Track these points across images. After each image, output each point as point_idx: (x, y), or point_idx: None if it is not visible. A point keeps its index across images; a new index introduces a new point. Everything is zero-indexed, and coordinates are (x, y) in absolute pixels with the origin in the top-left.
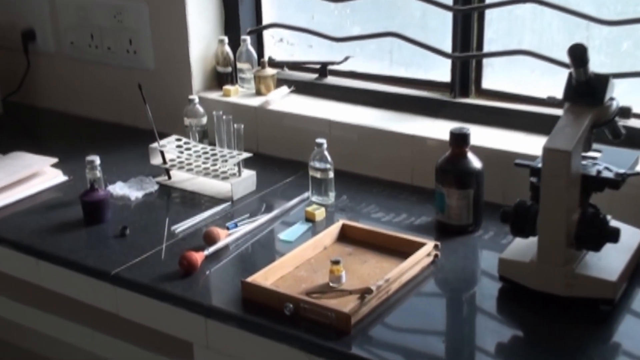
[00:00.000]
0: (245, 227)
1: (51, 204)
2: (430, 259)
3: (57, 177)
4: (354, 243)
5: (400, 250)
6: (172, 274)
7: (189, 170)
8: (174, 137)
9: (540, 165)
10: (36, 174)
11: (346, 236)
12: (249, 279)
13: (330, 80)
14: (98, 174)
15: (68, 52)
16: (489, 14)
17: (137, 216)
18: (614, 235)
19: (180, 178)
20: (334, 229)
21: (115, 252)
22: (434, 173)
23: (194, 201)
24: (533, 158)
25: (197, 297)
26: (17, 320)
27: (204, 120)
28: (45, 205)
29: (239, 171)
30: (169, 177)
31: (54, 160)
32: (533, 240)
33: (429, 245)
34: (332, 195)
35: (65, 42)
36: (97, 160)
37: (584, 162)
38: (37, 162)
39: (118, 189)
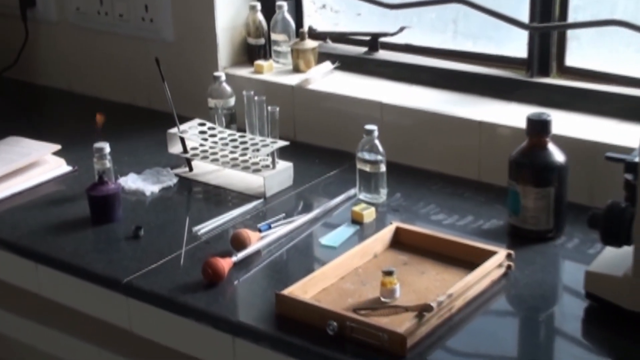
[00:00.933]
0: (280, 230)
1: (53, 198)
2: (502, 270)
3: (59, 167)
4: (410, 250)
5: (466, 259)
6: (193, 284)
7: (214, 160)
8: (196, 121)
9: (637, 159)
10: (35, 164)
11: (400, 242)
12: (285, 292)
13: (382, 54)
14: (107, 164)
15: (73, 20)
16: None
17: (153, 214)
18: None
19: (203, 170)
20: (386, 233)
21: (127, 257)
22: (507, 167)
23: (220, 197)
24: (628, 151)
25: (224, 312)
26: (12, 335)
27: (232, 101)
28: (46, 200)
29: (273, 162)
30: (191, 169)
31: (56, 147)
32: (627, 250)
33: (500, 254)
34: (383, 192)
35: (70, 8)
36: (106, 148)
37: None
38: (36, 150)
39: (131, 182)
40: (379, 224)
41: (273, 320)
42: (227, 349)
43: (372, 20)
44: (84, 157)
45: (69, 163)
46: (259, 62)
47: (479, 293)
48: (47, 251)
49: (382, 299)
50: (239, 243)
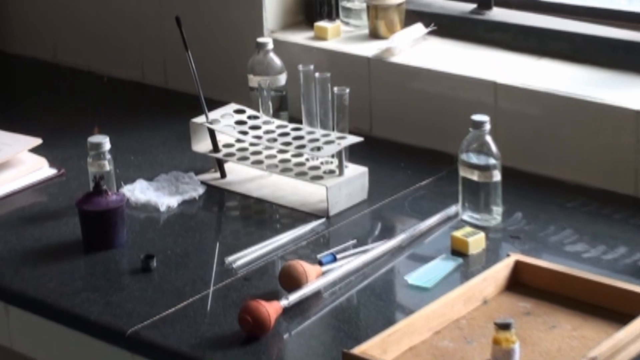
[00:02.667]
0: (349, 263)
1: (30, 213)
2: None
3: (40, 169)
4: (535, 294)
5: (616, 309)
6: (226, 338)
7: (257, 163)
8: (231, 106)
9: None
10: (6, 164)
11: (521, 282)
12: (356, 350)
13: (497, 14)
14: (107, 166)
15: None
16: None
17: (170, 238)
18: None
19: (241, 176)
20: (501, 271)
21: (134, 298)
22: None
23: (264, 216)
24: None
25: None
26: None
27: (283, 79)
28: (21, 215)
29: (341, 167)
30: (223, 175)
31: (36, 141)
32: None
33: None
34: (497, 211)
35: None
36: (105, 143)
37: None
38: (8, 145)
39: (139, 192)
40: (491, 256)
41: None
42: None
43: None
44: (73, 155)
45: (52, 164)
46: (321, 23)
47: (635, 357)
48: (21, 288)
49: None
50: (292, 281)
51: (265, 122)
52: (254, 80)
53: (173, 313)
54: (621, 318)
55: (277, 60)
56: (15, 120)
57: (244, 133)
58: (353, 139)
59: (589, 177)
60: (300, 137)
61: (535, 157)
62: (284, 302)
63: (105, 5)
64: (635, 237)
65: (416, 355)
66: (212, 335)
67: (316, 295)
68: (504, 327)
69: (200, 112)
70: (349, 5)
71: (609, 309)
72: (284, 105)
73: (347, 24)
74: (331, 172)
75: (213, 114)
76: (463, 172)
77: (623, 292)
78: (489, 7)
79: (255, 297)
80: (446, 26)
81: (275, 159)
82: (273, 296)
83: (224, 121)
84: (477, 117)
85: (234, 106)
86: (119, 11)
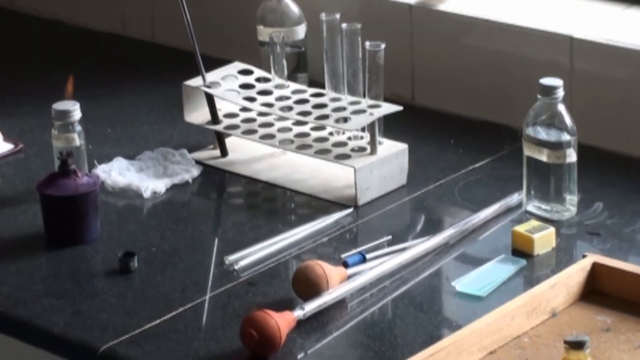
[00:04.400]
0: (382, 264)
1: None
2: None
3: None
4: (617, 306)
5: None
6: (226, 357)
7: (266, 138)
8: (235, 66)
9: None
10: None
11: (600, 290)
12: None
13: None
14: (77, 140)
15: None
16: None
17: (156, 232)
18: None
19: (246, 154)
20: (575, 275)
21: (109, 307)
22: None
23: (275, 204)
24: None
25: None
26: None
27: (301, 31)
28: None
29: (373, 143)
30: (224, 153)
31: None
32: None
33: None
34: (571, 200)
35: None
36: (75, 110)
37: None
38: None
39: (117, 173)
40: (563, 257)
41: None
42: None
43: None
44: (34, 126)
45: (8, 137)
46: None
47: None
48: None
49: None
50: (309, 286)
51: (278, 86)
52: (264, 33)
53: (158, 326)
54: None
55: (293, 8)
56: None
57: (251, 100)
58: (389, 108)
59: None
60: (323, 105)
61: (620, 133)
62: (298, 313)
63: None
64: None
65: None
66: (208, 353)
67: (340, 304)
68: (577, 345)
69: (196, 73)
70: None
71: None
72: (302, 65)
73: None
74: (361, 149)
75: (212, 76)
76: (529, 151)
77: None
78: None
79: (262, 306)
80: None
81: (290, 133)
82: (285, 305)
83: (226, 84)
84: (547, 81)
85: (238, 66)
86: None
